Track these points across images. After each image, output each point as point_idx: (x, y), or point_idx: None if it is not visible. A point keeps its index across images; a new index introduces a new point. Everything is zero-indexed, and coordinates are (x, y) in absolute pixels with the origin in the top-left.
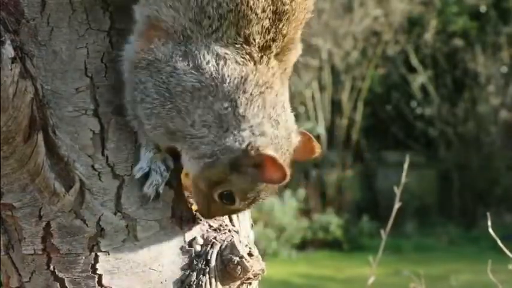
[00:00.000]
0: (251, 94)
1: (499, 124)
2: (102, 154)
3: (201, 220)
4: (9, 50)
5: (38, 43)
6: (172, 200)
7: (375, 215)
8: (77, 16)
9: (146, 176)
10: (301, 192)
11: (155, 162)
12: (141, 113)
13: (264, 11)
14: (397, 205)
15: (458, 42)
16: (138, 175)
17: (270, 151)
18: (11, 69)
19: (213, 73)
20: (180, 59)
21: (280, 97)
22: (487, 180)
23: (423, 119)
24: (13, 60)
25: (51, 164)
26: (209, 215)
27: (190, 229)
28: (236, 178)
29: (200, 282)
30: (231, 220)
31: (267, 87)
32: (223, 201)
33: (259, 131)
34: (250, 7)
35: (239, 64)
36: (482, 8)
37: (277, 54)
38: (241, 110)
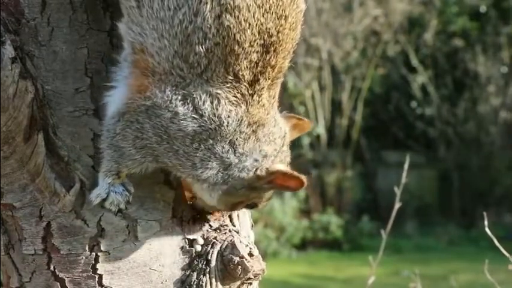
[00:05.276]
0: (246, 133)
1: (499, 124)
2: None
3: (201, 220)
4: (9, 50)
5: (39, 43)
6: (173, 201)
7: (375, 215)
8: (78, 16)
9: (106, 199)
10: (301, 192)
11: (113, 185)
12: (130, 146)
13: (251, 44)
14: (397, 205)
15: (458, 42)
16: (96, 201)
17: (278, 166)
18: (12, 69)
19: (211, 116)
20: (180, 103)
21: (271, 127)
22: (487, 180)
23: (423, 119)
24: (13, 60)
25: (51, 164)
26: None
27: (190, 229)
28: (256, 195)
29: (201, 282)
30: (231, 220)
31: (258, 125)
32: (247, 208)
33: (261, 156)
34: (238, 41)
35: (233, 104)
36: (482, 8)
37: (268, 87)
38: (240, 150)
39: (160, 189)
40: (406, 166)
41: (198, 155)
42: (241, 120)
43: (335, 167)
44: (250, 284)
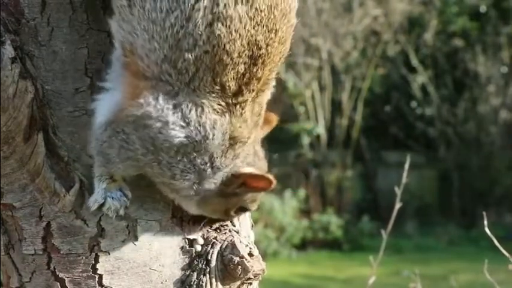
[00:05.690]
0: (226, 146)
1: (499, 124)
2: None
3: (201, 220)
4: (9, 50)
5: (38, 43)
6: (173, 201)
7: (375, 215)
8: (78, 16)
9: (103, 205)
10: (301, 192)
11: (110, 190)
12: (115, 155)
13: (240, 55)
14: (397, 205)
15: (458, 42)
16: (93, 207)
17: (244, 169)
18: (11, 69)
19: (197, 125)
20: (171, 113)
21: (248, 150)
22: (487, 180)
23: (423, 119)
24: (13, 60)
25: (51, 164)
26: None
27: (190, 229)
28: (235, 199)
29: (201, 282)
30: (231, 220)
31: (237, 142)
32: (240, 213)
33: (229, 166)
34: (227, 51)
35: (218, 115)
36: (482, 8)
37: (252, 100)
38: (217, 163)
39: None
40: (406, 166)
41: (179, 166)
42: (225, 132)
43: (335, 167)
44: (250, 284)
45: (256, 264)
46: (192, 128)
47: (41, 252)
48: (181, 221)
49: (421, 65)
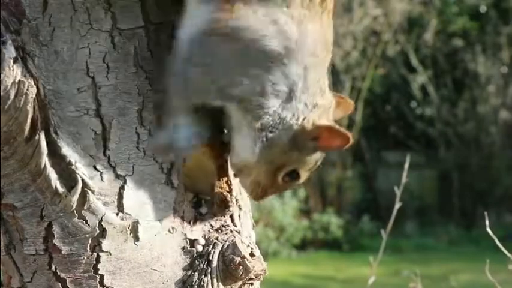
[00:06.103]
0: (316, 61)
1: (499, 124)
2: (104, 154)
3: (202, 220)
4: (10, 50)
5: (40, 43)
6: (174, 201)
7: (375, 215)
8: (79, 16)
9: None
10: (301, 192)
11: (179, 127)
12: (195, 74)
13: None
14: (397, 205)
15: (458, 42)
16: (161, 141)
17: (325, 121)
18: (13, 69)
19: (296, 36)
20: (268, 23)
21: (324, 67)
22: (487, 180)
23: (423, 119)
24: (14, 60)
25: (52, 164)
26: (264, 198)
27: (192, 229)
28: (298, 155)
29: (202, 283)
30: (232, 220)
31: (328, 48)
32: (287, 181)
33: (312, 103)
34: None
35: (314, 24)
36: (482, 8)
37: (329, 11)
38: (308, 77)
39: (161, 190)
40: (406, 166)
41: (271, 79)
42: (316, 38)
43: (335, 167)
44: (252, 284)
45: (257, 265)
46: (289, 38)
47: (42, 253)
48: (182, 221)
49: (421, 65)
